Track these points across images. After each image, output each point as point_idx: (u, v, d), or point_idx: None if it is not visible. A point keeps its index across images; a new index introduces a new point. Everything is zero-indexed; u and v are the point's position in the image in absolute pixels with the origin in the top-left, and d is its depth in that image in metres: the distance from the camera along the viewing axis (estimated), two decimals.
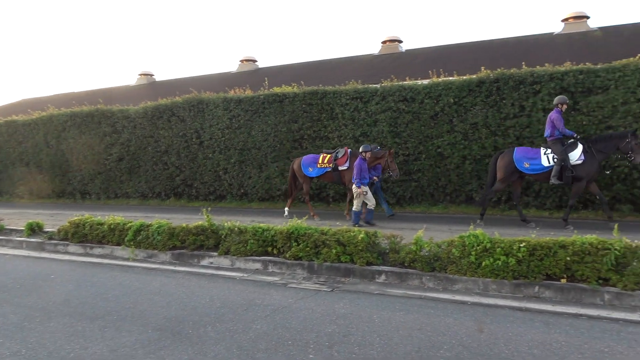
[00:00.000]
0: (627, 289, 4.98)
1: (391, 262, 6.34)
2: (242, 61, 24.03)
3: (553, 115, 8.77)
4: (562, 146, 8.64)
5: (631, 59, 9.76)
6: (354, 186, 9.31)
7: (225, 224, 7.78)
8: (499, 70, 10.83)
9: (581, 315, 4.74)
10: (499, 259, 5.54)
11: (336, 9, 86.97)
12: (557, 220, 9.21)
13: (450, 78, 11.59)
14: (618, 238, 5.35)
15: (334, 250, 6.50)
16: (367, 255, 6.35)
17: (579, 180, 8.49)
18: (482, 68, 11.24)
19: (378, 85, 12.18)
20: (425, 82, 11.75)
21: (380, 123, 11.84)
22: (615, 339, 4.11)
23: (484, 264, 5.59)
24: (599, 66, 10.02)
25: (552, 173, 8.54)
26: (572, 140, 8.70)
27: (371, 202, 9.42)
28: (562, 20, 16.57)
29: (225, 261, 7.35)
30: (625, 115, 9.58)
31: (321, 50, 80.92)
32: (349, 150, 10.44)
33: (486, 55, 15.33)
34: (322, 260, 6.56)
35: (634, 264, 5.14)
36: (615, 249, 5.18)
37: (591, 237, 5.43)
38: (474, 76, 11.09)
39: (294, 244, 6.89)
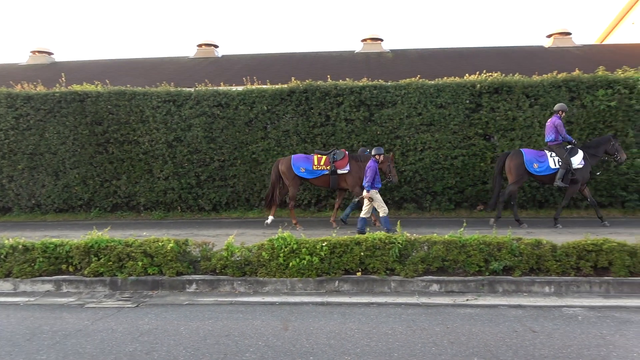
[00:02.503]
0: (408, 276, 5.79)
1: (203, 270, 6.21)
2: (33, 52, 20.90)
3: (556, 121, 9.23)
4: (565, 150, 9.23)
5: (413, 79, 11.42)
6: (364, 192, 8.63)
7: (6, 241, 6.64)
8: (307, 81, 11.57)
9: (372, 303, 5.33)
10: (305, 259, 5.89)
11: (149, 7, 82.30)
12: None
13: (264, 86, 11.95)
14: (401, 233, 6.17)
15: (140, 263, 6.08)
16: (176, 265, 6.10)
17: (576, 183, 9.21)
18: (293, 79, 11.87)
19: (192, 89, 11.87)
20: (240, 88, 11.88)
21: (195, 128, 11.56)
22: (398, 321, 4.72)
23: (291, 264, 5.88)
24: (389, 83, 11.45)
25: (558, 176, 9.06)
26: (571, 145, 9.33)
27: (383, 209, 8.53)
28: (362, 41, 18.59)
29: (5, 285, 6.26)
30: (409, 127, 11.16)
31: (131, 48, 75.60)
32: (348, 152, 9.74)
33: (298, 67, 16.25)
34: (127, 274, 6.08)
35: (413, 254, 6.01)
36: (399, 243, 5.98)
37: (380, 233, 6.17)
38: (286, 86, 11.64)
39: (93, 259, 6.23)
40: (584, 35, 55.89)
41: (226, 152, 11.59)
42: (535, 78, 11.07)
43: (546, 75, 11.12)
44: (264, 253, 6.04)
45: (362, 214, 8.62)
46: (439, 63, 15.40)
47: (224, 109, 11.60)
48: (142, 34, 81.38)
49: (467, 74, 11.51)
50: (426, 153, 11.09)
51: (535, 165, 9.23)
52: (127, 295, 5.89)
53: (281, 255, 5.96)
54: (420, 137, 11.11)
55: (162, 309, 5.34)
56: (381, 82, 11.50)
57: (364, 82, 11.50)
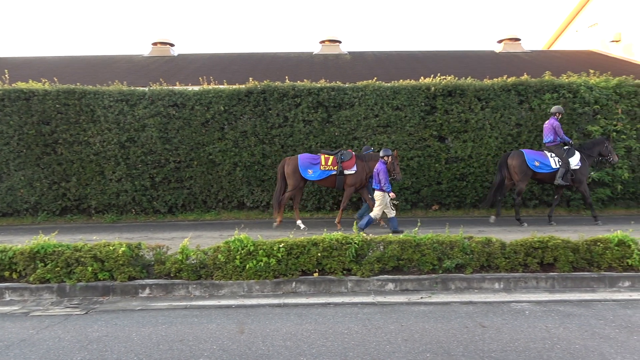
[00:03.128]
0: (364, 276, 5.86)
1: (156, 274, 6.06)
2: None
3: (555, 123, 9.57)
4: (564, 151, 9.56)
5: (370, 81, 11.58)
6: (376, 193, 8.60)
7: None
8: (265, 82, 11.51)
9: (329, 303, 5.36)
10: (262, 261, 5.85)
11: (101, 4, 79.63)
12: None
13: (221, 86, 11.79)
14: (357, 233, 6.24)
15: (89, 268, 5.87)
16: (129, 269, 5.92)
17: (581, 182, 9.56)
18: (251, 79, 11.78)
19: (147, 88, 11.56)
20: (196, 88, 11.68)
21: (149, 128, 11.26)
22: (354, 321, 4.77)
23: (248, 266, 5.83)
24: (347, 85, 11.57)
25: (559, 174, 9.41)
26: (568, 146, 9.66)
27: (376, 213, 8.57)
28: (320, 42, 18.69)
29: None
30: (366, 128, 11.30)
31: (82, 46, 72.86)
32: (354, 153, 9.61)
33: (257, 67, 16.15)
34: (76, 280, 5.85)
35: (369, 254, 6.09)
36: (355, 243, 6.04)
37: (337, 234, 6.21)
38: (243, 86, 11.54)
39: (39, 265, 5.96)
40: (533, 41, 58.36)
41: (182, 153, 11.36)
42: (487, 82, 11.45)
43: (496, 80, 11.53)
44: (220, 255, 5.96)
45: (373, 215, 8.59)
46: (395, 66, 15.69)
47: (179, 109, 11.37)
48: (93, 31, 78.59)
49: (422, 77, 11.78)
50: None
51: (537, 163, 9.53)
52: (75, 302, 5.66)
53: (238, 257, 5.90)
54: (377, 138, 11.28)
55: (113, 315, 5.17)
56: (339, 83, 11.59)
57: (322, 83, 11.56)
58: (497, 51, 18.48)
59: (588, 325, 4.55)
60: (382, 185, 8.48)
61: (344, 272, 5.97)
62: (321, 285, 5.83)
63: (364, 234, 6.32)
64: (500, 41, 18.90)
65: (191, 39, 76.39)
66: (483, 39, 72.49)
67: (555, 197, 10.20)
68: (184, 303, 5.52)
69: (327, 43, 18.47)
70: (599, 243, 6.14)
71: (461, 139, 11.28)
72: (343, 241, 6.06)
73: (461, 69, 14.72)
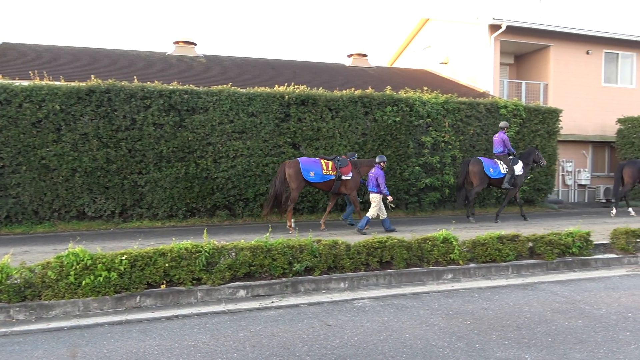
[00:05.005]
0: (215, 284, 5.76)
1: None
2: None
3: (503, 136, 11.37)
4: (510, 160, 11.33)
5: (226, 86, 11.47)
6: (372, 195, 9.44)
7: None
8: (110, 80, 10.65)
9: (177, 316, 5.14)
10: (101, 275, 5.38)
11: None
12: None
13: (57, 83, 10.58)
14: (207, 241, 6.10)
15: None
16: None
17: (516, 187, 11.40)
18: (93, 77, 10.80)
19: None
20: (25, 83, 10.31)
21: None
22: (202, 332, 4.64)
23: (84, 282, 5.30)
24: (201, 89, 11.28)
25: (506, 179, 11.21)
26: (513, 156, 11.46)
27: (372, 213, 9.44)
28: (174, 43, 17.90)
29: None
30: (221, 134, 11.15)
31: None
32: (349, 159, 10.00)
33: (102, 64, 14.82)
34: None
35: (221, 261, 6.00)
36: (206, 251, 5.90)
37: (186, 243, 6.00)
38: (84, 84, 10.52)
39: None
40: (378, 58, 63.66)
41: (7, 157, 9.93)
42: (336, 93, 12.17)
43: (345, 91, 12.33)
44: (50, 272, 5.32)
45: (370, 215, 9.44)
46: (251, 72, 15.78)
47: (3, 106, 9.92)
48: None
49: (277, 85, 12.04)
50: (238, 160, 11.22)
51: (491, 170, 11.19)
52: None
53: (72, 273, 5.33)
54: (232, 144, 11.20)
55: None
56: (193, 87, 11.25)
57: (174, 85, 11.10)
58: (347, 65, 19.74)
59: (417, 315, 5.09)
60: (380, 188, 9.35)
61: (194, 281, 5.78)
62: (169, 297, 5.56)
63: (215, 242, 6.21)
64: (349, 55, 20.23)
65: (23, 29, 67.22)
66: (336, 52, 76.92)
67: (517, 200, 11.90)
68: (3, 330, 4.79)
69: (181, 44, 17.78)
70: (428, 241, 6.93)
71: (313, 146, 11.79)
72: (193, 250, 5.88)
73: (314, 79, 15.39)
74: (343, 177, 9.74)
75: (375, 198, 9.45)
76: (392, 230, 9.31)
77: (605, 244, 8.23)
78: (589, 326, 4.70)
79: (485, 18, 16.88)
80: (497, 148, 11.53)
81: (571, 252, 7.48)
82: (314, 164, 9.66)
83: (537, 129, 14.26)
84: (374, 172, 9.46)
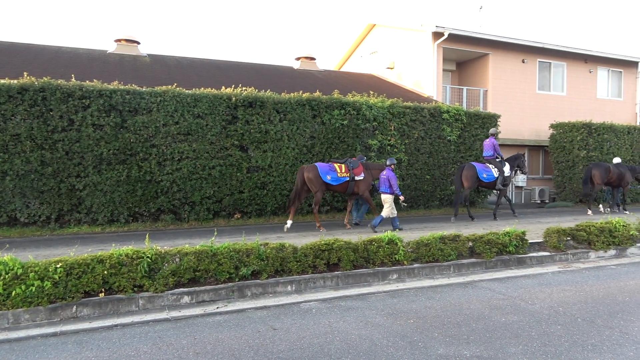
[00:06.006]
0: (158, 291, 5.58)
1: None
2: None
3: (494, 142, 12.44)
4: (500, 163, 12.28)
5: (170, 86, 11.16)
6: (385, 196, 10.06)
7: None
8: (45, 78, 10.09)
9: (116, 325, 4.93)
10: (33, 285, 5.07)
11: None
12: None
13: None
14: (150, 247, 5.91)
15: None
16: None
17: (505, 186, 12.42)
18: (26, 74, 10.20)
19: None
20: None
21: None
22: (143, 341, 4.48)
23: (14, 293, 4.98)
24: (144, 89, 10.91)
25: (499, 181, 12.18)
26: (500, 160, 12.42)
27: (388, 212, 10.06)
28: (116, 41, 17.23)
29: None
30: (166, 136, 10.84)
31: None
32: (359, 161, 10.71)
33: (35, 61, 13.99)
34: None
35: (164, 267, 5.83)
36: (148, 257, 5.71)
37: (127, 249, 5.78)
38: (15, 81, 9.90)
39: None
40: (326, 61, 64.30)
41: None
42: (285, 96, 12.15)
43: (294, 94, 12.34)
44: None
45: (391, 215, 10.08)
46: (198, 73, 15.46)
47: None
48: None
49: (224, 87, 11.87)
50: (184, 163, 10.95)
51: (485, 175, 12.07)
52: None
53: (0, 283, 4.99)
54: (177, 146, 10.92)
55: None
56: (135, 87, 10.87)
57: (115, 85, 10.67)
58: (296, 68, 19.77)
59: (363, 316, 5.16)
60: (393, 189, 9.95)
61: (136, 289, 5.57)
62: (108, 306, 5.33)
63: (158, 247, 6.02)
64: (298, 59, 20.27)
65: None
66: (284, 55, 76.88)
67: (498, 198, 12.76)
68: None
69: (123, 42, 17.13)
70: (373, 242, 7.05)
71: (262, 149, 11.70)
72: (134, 256, 5.67)
73: (262, 81, 15.30)
74: (356, 178, 10.45)
75: (387, 199, 10.05)
76: (400, 229, 9.83)
77: (540, 242, 8.70)
78: (523, 321, 4.95)
79: (429, 25, 17.45)
80: (487, 152, 12.61)
81: (508, 251, 7.86)
82: (330, 168, 10.36)
83: (477, 133, 14.87)
84: (385, 174, 10.09)
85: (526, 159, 14.05)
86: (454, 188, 13.03)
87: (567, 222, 10.96)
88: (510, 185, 12.98)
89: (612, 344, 4.33)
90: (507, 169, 12.46)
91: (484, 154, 12.77)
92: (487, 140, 12.68)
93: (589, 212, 13.88)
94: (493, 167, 12.29)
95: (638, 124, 21.15)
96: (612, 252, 8.72)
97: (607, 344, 4.33)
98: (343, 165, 10.45)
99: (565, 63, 19.93)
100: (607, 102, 20.90)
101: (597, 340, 4.42)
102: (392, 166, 10.29)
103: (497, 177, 12.22)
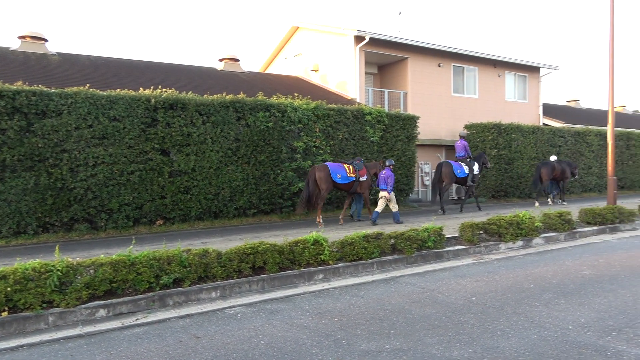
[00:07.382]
0: (70, 306, 5.22)
1: None
2: None
3: (465, 143, 14.35)
4: (470, 162, 14.01)
5: (83, 87, 10.51)
6: (383, 192, 11.44)
7: None
8: None
9: (22, 345, 4.56)
10: None
11: None
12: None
13: None
14: (60, 259, 5.52)
15: None
16: None
17: (474, 182, 14.09)
18: None
19: None
20: None
21: None
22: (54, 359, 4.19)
23: None
24: (53, 90, 10.18)
25: (469, 178, 13.86)
26: (470, 159, 14.23)
27: (396, 206, 11.72)
28: (19, 38, 15.91)
29: None
30: (79, 140, 10.19)
31: None
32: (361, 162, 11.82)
33: None
34: None
35: (77, 280, 5.47)
36: (58, 270, 5.34)
37: (34, 262, 5.36)
38: None
39: None
40: (251, 63, 63.84)
41: None
42: (207, 97, 11.88)
43: (217, 96, 12.10)
44: None
45: (377, 209, 11.51)
46: (114, 73, 14.69)
47: None
48: None
49: (142, 88, 11.38)
50: (99, 168, 10.36)
51: (459, 171, 13.69)
52: None
53: None
54: (92, 151, 10.30)
55: None
56: (42, 87, 10.11)
57: (19, 85, 9.86)
58: (219, 69, 19.41)
59: (289, 318, 5.18)
60: (390, 186, 11.33)
61: (45, 305, 5.18)
62: (12, 325, 4.91)
63: (70, 259, 5.64)
64: (221, 60, 19.91)
65: None
66: (207, 56, 75.15)
67: (464, 195, 14.26)
68: None
69: (28, 39, 15.86)
70: (299, 244, 7.09)
71: (184, 153, 11.36)
72: (42, 270, 5.26)
73: (184, 82, 14.86)
74: (361, 179, 11.59)
75: (385, 195, 11.43)
76: (401, 222, 11.33)
77: (456, 236, 9.21)
78: (440, 312, 5.22)
79: (351, 29, 17.88)
80: (459, 153, 14.40)
81: (427, 246, 8.25)
82: (340, 168, 11.31)
83: (398, 134, 15.46)
84: (384, 173, 11.44)
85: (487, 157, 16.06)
86: (432, 183, 14.64)
87: (480, 216, 11.70)
88: (477, 180, 14.52)
89: (519, 328, 4.68)
90: (476, 167, 14.19)
91: (456, 155, 14.51)
92: (458, 142, 14.43)
93: (537, 203, 15.60)
94: (464, 165, 13.99)
95: (541, 124, 23.06)
96: (520, 243, 9.44)
97: (514, 329, 4.68)
98: (350, 167, 11.53)
99: (477, 68, 21.27)
100: (514, 104, 22.59)
101: (505, 326, 4.77)
102: (391, 167, 11.67)
103: (468, 174, 13.85)
